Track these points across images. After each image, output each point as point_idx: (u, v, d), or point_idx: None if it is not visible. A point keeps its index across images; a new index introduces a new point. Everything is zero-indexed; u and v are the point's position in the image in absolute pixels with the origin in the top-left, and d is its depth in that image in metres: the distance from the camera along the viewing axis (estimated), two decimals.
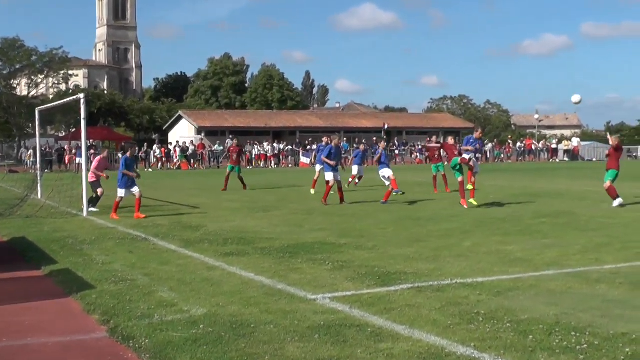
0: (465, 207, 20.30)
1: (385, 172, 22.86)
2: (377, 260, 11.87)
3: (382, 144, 24.35)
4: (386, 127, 58.68)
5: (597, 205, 21.50)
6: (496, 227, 16.26)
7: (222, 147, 64.04)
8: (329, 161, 22.94)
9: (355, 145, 63.04)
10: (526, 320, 7.76)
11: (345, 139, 71.81)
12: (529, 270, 10.77)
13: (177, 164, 61.88)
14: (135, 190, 19.58)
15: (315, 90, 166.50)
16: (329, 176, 22.99)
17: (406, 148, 76.24)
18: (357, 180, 29.66)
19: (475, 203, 20.48)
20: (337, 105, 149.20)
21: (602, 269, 10.87)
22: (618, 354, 6.58)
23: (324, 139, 25.49)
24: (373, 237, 14.74)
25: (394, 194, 22.65)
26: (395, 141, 75.91)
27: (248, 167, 60.30)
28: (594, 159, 77.79)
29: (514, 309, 8.31)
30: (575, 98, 26.66)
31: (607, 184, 20.97)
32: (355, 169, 28.92)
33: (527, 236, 14.65)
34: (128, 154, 19.98)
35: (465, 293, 9.22)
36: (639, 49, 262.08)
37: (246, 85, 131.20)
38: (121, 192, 19.67)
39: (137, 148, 31.32)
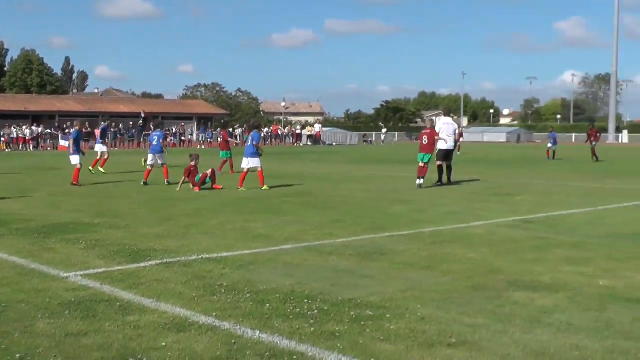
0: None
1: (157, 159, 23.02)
2: (128, 238, 11.72)
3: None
4: (142, 114, 57.81)
5: (335, 185, 22.41)
6: (243, 206, 16.52)
7: None
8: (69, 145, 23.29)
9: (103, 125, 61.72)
10: (264, 291, 7.98)
11: (102, 122, 69.67)
12: (269, 245, 11.04)
13: None
14: None
15: (74, 76, 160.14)
16: (74, 159, 22.88)
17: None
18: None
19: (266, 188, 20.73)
20: (96, 91, 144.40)
21: (334, 242, 11.35)
22: (344, 317, 6.93)
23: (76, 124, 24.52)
24: (127, 217, 14.52)
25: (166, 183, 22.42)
26: (152, 126, 74.62)
27: (6, 150, 57.22)
28: (334, 143, 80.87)
29: (253, 280, 8.51)
30: None
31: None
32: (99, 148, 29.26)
33: (271, 214, 15.00)
34: None
35: (210, 267, 9.32)
36: (376, 45, 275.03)
37: (5, 69, 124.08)
38: None
39: None
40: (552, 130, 44.21)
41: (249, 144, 21.35)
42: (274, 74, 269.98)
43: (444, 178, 23.09)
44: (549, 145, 42.49)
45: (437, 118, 25.16)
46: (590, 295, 7.86)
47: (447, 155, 23.31)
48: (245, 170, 21.13)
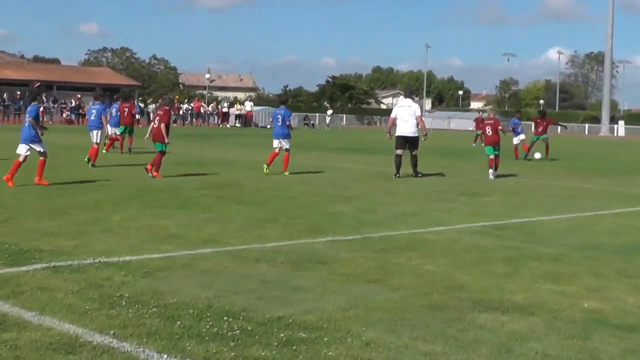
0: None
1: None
2: (8, 235, 11.51)
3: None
4: (38, 85, 56.85)
5: (267, 177, 22.33)
6: (152, 198, 16.38)
7: None
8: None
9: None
10: (175, 304, 7.87)
11: None
12: (183, 248, 10.95)
13: None
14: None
15: None
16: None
17: (56, 106, 74.41)
18: None
19: None
20: None
21: (263, 247, 11.29)
22: (272, 339, 6.86)
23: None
24: (7, 208, 14.28)
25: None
26: (44, 97, 73.70)
27: None
28: (268, 125, 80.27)
29: (162, 291, 8.40)
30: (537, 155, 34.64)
31: None
32: None
33: (186, 210, 14.90)
34: None
35: (109, 273, 9.18)
36: (320, 9, 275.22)
37: None
38: None
39: None
40: (518, 116, 39.67)
41: (279, 123, 23.71)
42: (197, 40, 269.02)
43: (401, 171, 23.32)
44: (517, 139, 38.03)
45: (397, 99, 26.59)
46: (572, 320, 7.91)
47: (411, 142, 24.04)
48: (275, 150, 23.71)
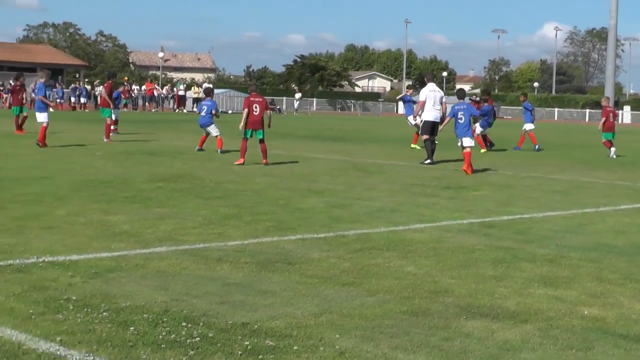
0: None
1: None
2: None
3: None
4: None
5: (226, 167, 22.37)
6: (100, 192, 16.39)
7: None
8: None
9: None
10: (128, 308, 7.92)
11: None
12: (136, 247, 10.98)
13: None
14: None
15: None
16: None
17: None
18: None
19: None
20: None
21: (225, 245, 11.35)
22: (235, 347, 6.92)
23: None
24: None
25: None
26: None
27: None
28: (230, 111, 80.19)
29: (113, 294, 8.44)
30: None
31: None
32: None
33: (138, 204, 14.92)
34: None
35: (55, 274, 9.21)
36: None
37: None
38: None
39: None
40: (524, 99, 38.86)
41: (204, 113, 28.26)
42: (149, 15, 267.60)
43: None
44: (527, 126, 36.43)
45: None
46: (571, 328, 7.98)
47: (434, 127, 26.09)
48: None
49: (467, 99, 26.09)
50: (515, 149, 34.56)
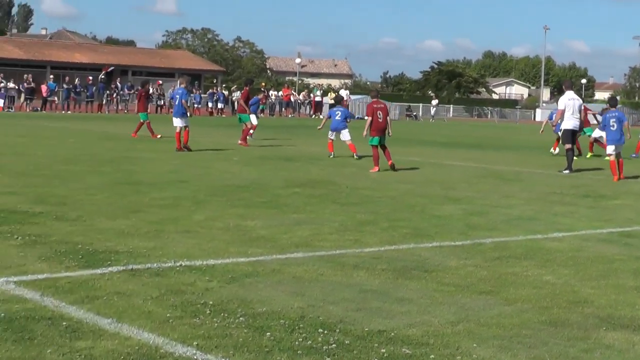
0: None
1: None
2: (81, 234, 11.76)
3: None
4: (111, 69, 57.70)
5: (362, 173, 22.40)
6: (236, 196, 16.55)
7: None
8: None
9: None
10: (264, 314, 7.97)
11: (52, 76, 70.09)
12: (272, 252, 11.05)
13: None
14: None
15: (14, 11, 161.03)
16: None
17: (132, 92, 75.42)
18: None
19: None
20: (44, 33, 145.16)
21: (362, 252, 11.34)
22: (372, 355, 6.90)
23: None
24: (78, 206, 14.57)
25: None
26: (118, 83, 74.85)
27: None
28: (366, 117, 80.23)
29: (250, 299, 8.51)
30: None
31: None
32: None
33: (274, 210, 15.02)
34: None
35: (192, 279, 9.33)
36: None
37: None
38: None
39: None
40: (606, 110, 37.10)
41: (338, 118, 28.14)
42: (286, 20, 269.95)
43: None
44: (597, 133, 33.38)
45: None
46: None
47: (574, 135, 26.22)
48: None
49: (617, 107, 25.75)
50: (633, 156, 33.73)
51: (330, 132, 28.36)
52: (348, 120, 28.55)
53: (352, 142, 27.42)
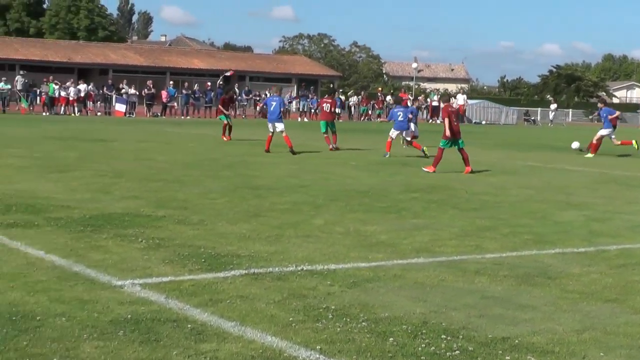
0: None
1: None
2: (203, 238, 11.90)
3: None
4: (231, 74, 58.07)
5: (481, 178, 22.22)
6: (356, 201, 16.57)
7: (9, 86, 61.75)
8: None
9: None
10: (386, 319, 7.96)
11: (171, 82, 71.22)
12: (393, 257, 11.03)
13: None
14: None
15: (135, 18, 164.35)
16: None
17: (250, 97, 76.21)
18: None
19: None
20: (163, 39, 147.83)
21: (483, 258, 11.27)
22: None
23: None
24: (200, 210, 14.74)
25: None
26: (236, 89, 75.74)
27: (44, 114, 58.90)
28: (484, 121, 79.99)
29: (372, 304, 8.51)
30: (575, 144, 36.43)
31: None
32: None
33: (394, 214, 15.00)
34: None
35: (313, 283, 9.37)
36: None
37: (44, 6, 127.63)
38: None
39: None
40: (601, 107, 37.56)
41: (401, 118, 29.28)
42: (402, 25, 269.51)
43: None
44: (605, 131, 35.80)
45: None
46: None
47: None
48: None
49: None
50: None
51: (392, 131, 29.66)
52: (410, 117, 30.51)
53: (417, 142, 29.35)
